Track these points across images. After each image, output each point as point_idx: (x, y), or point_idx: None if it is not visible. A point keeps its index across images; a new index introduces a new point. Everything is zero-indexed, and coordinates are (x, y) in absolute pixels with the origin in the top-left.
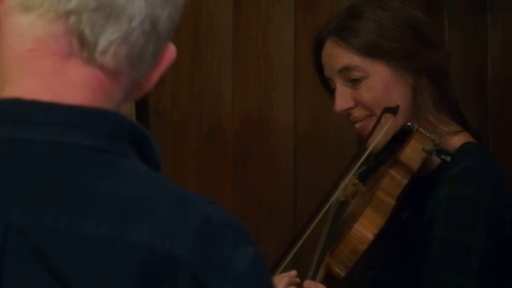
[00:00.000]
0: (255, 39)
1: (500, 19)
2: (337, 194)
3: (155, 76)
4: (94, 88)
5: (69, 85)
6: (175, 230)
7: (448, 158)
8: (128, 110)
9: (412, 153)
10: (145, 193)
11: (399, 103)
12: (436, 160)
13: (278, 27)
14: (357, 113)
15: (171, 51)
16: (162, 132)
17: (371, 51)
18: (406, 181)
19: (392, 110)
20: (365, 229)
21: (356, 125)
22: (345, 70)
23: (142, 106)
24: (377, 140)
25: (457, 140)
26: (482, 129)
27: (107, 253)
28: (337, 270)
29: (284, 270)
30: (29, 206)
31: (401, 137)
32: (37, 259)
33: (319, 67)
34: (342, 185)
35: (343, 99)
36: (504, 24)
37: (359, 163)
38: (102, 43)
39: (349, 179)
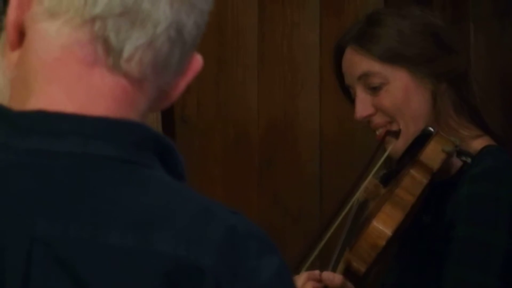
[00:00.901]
0: (280, 45)
1: None
2: (358, 195)
3: (181, 85)
4: (119, 97)
5: (94, 94)
6: (199, 240)
7: (469, 160)
8: (154, 118)
9: (432, 154)
10: (170, 204)
11: (400, 128)
12: (458, 163)
13: (303, 33)
14: (378, 119)
15: (197, 61)
16: (188, 139)
17: (390, 58)
18: (426, 181)
19: (394, 134)
20: (384, 225)
21: (377, 132)
22: (364, 77)
23: (168, 113)
24: (395, 143)
25: (478, 143)
26: (508, 135)
27: (132, 263)
28: (357, 265)
29: (307, 270)
30: (54, 217)
31: (422, 141)
32: (62, 270)
33: (339, 75)
34: (363, 186)
35: (363, 106)
36: None
37: (379, 164)
38: (127, 49)
39: (370, 180)
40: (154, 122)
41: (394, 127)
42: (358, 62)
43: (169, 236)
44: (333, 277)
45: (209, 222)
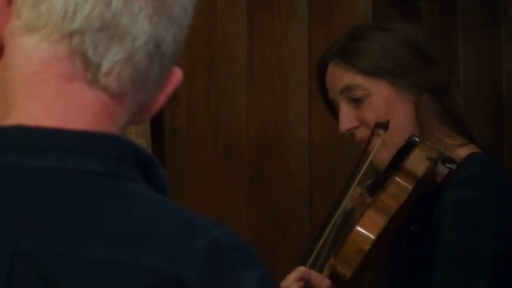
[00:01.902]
0: (269, 56)
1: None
2: (344, 204)
3: (161, 99)
4: (98, 111)
5: (73, 109)
6: (182, 252)
7: (454, 166)
8: (144, 129)
9: (417, 161)
10: (152, 216)
11: (388, 119)
12: (443, 171)
13: (292, 44)
14: (361, 133)
15: (177, 74)
16: (178, 150)
17: (372, 70)
18: (411, 187)
19: (383, 125)
20: (368, 229)
21: (362, 145)
22: (347, 90)
23: (157, 124)
24: (377, 148)
25: (463, 151)
26: (497, 143)
27: (115, 277)
28: (343, 270)
29: None
30: (35, 233)
31: (405, 150)
32: (45, 285)
33: (323, 90)
34: (348, 195)
35: (347, 119)
36: None
37: (363, 169)
38: (106, 64)
39: (355, 189)
40: (143, 134)
41: (377, 140)
42: (340, 76)
43: (151, 249)
44: (322, 279)
45: (192, 234)
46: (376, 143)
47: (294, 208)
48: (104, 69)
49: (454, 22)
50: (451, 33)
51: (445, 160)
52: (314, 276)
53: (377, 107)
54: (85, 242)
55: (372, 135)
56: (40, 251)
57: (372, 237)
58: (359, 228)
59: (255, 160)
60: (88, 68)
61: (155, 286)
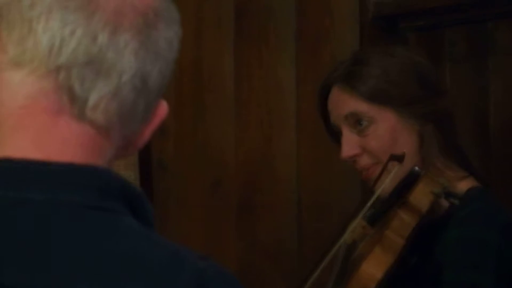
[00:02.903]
0: (256, 88)
1: (501, 64)
2: (345, 237)
3: (147, 132)
4: (85, 144)
5: (60, 142)
6: (169, 285)
7: (457, 202)
8: (132, 162)
9: (421, 195)
10: (139, 250)
11: (405, 151)
12: (445, 204)
13: (279, 76)
14: (364, 161)
15: (163, 108)
16: (166, 184)
17: (377, 98)
18: (415, 222)
19: (398, 158)
20: (374, 268)
21: (363, 172)
22: (351, 116)
23: (145, 158)
24: (384, 185)
25: (464, 185)
26: (485, 173)
27: None
28: None
29: None
30: (21, 267)
31: (408, 181)
32: None
33: (324, 114)
34: (351, 228)
35: (349, 145)
36: (505, 69)
37: (367, 207)
38: (92, 98)
39: (358, 222)
40: (132, 166)
41: (379, 168)
42: (345, 102)
43: (140, 283)
44: None
45: (179, 267)
46: (385, 178)
47: (282, 240)
48: (91, 103)
49: (441, 53)
50: (438, 63)
51: (448, 194)
52: None
53: (382, 136)
54: (71, 279)
55: (384, 168)
56: (25, 286)
57: (379, 276)
58: (366, 267)
59: (243, 193)
60: (74, 102)
61: None
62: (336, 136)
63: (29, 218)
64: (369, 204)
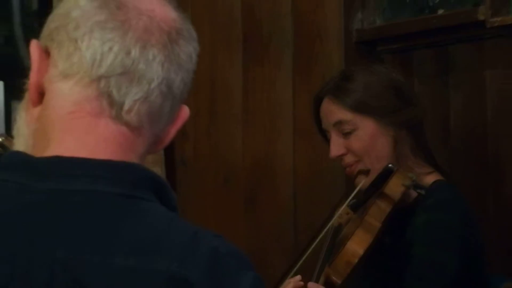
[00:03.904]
0: (260, 100)
1: (459, 80)
2: (333, 221)
3: (172, 132)
4: (121, 142)
5: (101, 141)
6: (189, 259)
7: (423, 192)
8: (159, 161)
9: (394, 187)
10: (164, 230)
11: (370, 169)
12: (414, 194)
13: (279, 89)
14: (348, 159)
15: (185, 111)
16: (187, 178)
17: (360, 109)
18: (389, 209)
19: (365, 172)
20: (357, 246)
21: (347, 168)
22: (338, 124)
23: (169, 156)
24: (365, 180)
25: (430, 178)
26: (447, 168)
27: (135, 280)
28: (335, 278)
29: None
30: (69, 244)
31: (384, 176)
32: (78, 287)
33: (318, 119)
34: (337, 214)
35: (337, 147)
36: (463, 84)
37: (351, 197)
38: (127, 102)
39: (343, 209)
40: (159, 163)
41: (361, 166)
42: (333, 111)
43: (165, 256)
44: (317, 286)
45: (196, 244)
46: (362, 179)
47: (281, 226)
48: (126, 107)
49: (411, 71)
50: (408, 79)
51: (416, 186)
52: (311, 284)
53: (363, 139)
54: (110, 252)
55: (358, 174)
56: (73, 259)
57: (361, 252)
58: (350, 245)
59: (249, 186)
60: (113, 106)
61: (167, 286)
62: (327, 137)
63: (76, 206)
64: (352, 195)
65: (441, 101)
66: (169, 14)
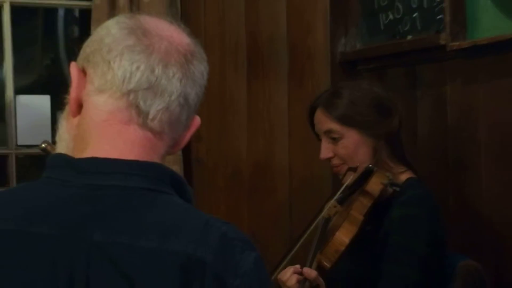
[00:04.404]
0: (261, 109)
1: (425, 93)
2: (323, 213)
3: (187, 136)
4: (146, 145)
5: (129, 144)
6: (203, 242)
7: (398, 189)
8: (178, 160)
9: (374, 185)
10: (181, 218)
11: (358, 165)
12: (390, 190)
13: (277, 101)
14: (335, 161)
15: (197, 120)
16: (201, 174)
17: (346, 121)
18: (370, 204)
19: (354, 169)
20: (344, 236)
21: (334, 168)
22: (328, 132)
23: (186, 156)
24: (350, 179)
25: (403, 176)
26: (415, 164)
27: (157, 259)
28: (325, 263)
29: (285, 267)
30: (104, 229)
31: (365, 175)
32: (112, 266)
33: (312, 124)
34: (327, 207)
35: (325, 151)
36: (427, 97)
37: (338, 193)
38: (152, 112)
39: (332, 203)
40: (177, 162)
41: (345, 167)
42: (324, 121)
43: (182, 240)
44: (311, 271)
45: (208, 230)
46: (350, 175)
47: (279, 214)
48: (151, 115)
49: (385, 85)
50: None
51: (392, 184)
52: (306, 269)
53: (348, 147)
54: (137, 236)
55: (346, 172)
56: (107, 242)
57: (347, 241)
58: (338, 235)
59: (252, 182)
60: (140, 115)
61: (186, 265)
62: (319, 137)
63: (110, 198)
64: (339, 191)
65: (409, 111)
66: (185, 40)
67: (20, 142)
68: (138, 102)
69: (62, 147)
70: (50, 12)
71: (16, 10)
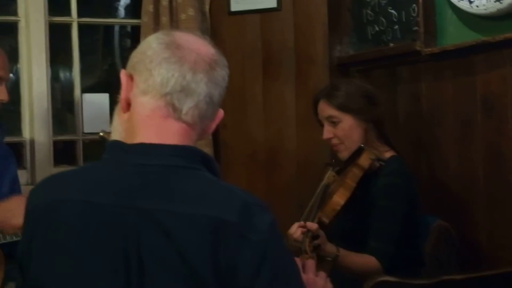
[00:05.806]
0: (274, 103)
1: (403, 89)
2: (324, 181)
3: (213, 126)
4: (182, 134)
5: (169, 133)
6: (228, 208)
7: (383, 163)
8: (208, 143)
9: (364, 160)
10: (211, 189)
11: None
12: (377, 164)
13: (287, 96)
14: (335, 141)
15: (221, 112)
16: (226, 154)
17: (343, 108)
18: (361, 174)
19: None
20: (340, 198)
21: (333, 147)
22: (329, 117)
23: (215, 140)
24: (344, 153)
25: (387, 154)
26: (397, 145)
27: (192, 221)
28: (324, 219)
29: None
30: (147, 199)
31: (357, 152)
32: (157, 227)
33: (316, 113)
34: (326, 176)
35: (327, 133)
36: (405, 92)
37: (336, 166)
38: (185, 109)
39: (330, 173)
40: (208, 145)
41: (343, 147)
42: (325, 109)
43: (212, 206)
44: (312, 224)
45: (232, 197)
46: (344, 155)
47: (288, 186)
48: (184, 111)
49: (372, 83)
50: None
51: (378, 159)
52: (309, 223)
53: (345, 129)
54: (175, 203)
55: (344, 149)
56: (150, 209)
57: (342, 202)
58: (335, 198)
59: (268, 160)
60: (175, 111)
61: (215, 225)
62: (321, 124)
63: (154, 174)
64: (336, 168)
65: (391, 103)
66: (210, 50)
67: (85, 130)
68: (174, 101)
69: (116, 136)
70: (108, 28)
71: (82, 27)
